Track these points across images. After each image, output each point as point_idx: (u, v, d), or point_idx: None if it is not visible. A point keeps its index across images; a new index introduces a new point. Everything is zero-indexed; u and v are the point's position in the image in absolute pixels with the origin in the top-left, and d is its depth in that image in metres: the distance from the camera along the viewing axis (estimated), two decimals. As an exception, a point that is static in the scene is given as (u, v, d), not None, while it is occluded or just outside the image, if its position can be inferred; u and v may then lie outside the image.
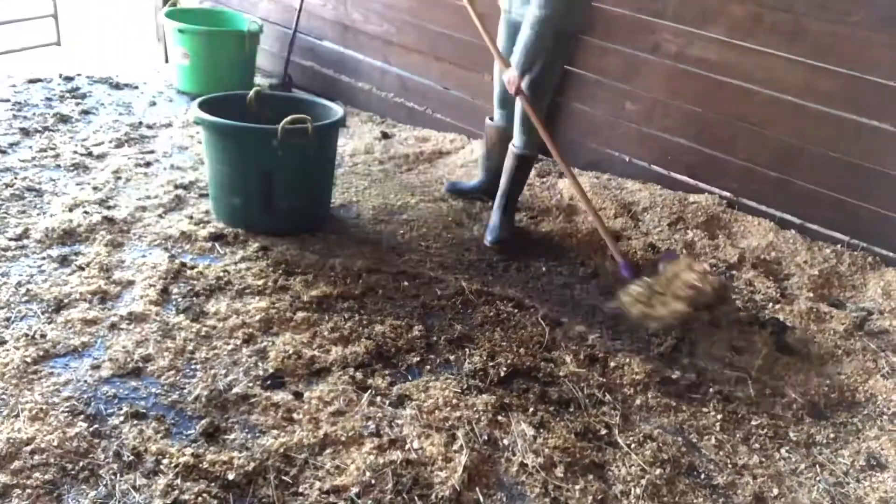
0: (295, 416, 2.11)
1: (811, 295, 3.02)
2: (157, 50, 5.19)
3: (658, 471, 2.06)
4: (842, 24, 3.09)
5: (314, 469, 1.94)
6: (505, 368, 2.40)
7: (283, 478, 1.90)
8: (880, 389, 2.53)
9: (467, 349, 2.51)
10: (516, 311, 2.76)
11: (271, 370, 2.28)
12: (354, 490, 1.87)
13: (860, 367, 2.63)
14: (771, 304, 2.97)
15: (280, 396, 2.17)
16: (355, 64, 4.71)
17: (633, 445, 2.16)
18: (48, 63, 4.81)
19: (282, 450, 1.97)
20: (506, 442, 2.11)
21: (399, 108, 4.57)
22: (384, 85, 4.61)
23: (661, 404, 2.36)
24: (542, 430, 2.16)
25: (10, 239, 2.77)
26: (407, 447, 2.03)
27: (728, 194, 3.62)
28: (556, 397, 2.32)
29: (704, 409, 2.36)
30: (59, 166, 3.43)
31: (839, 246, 3.31)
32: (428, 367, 2.40)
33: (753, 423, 2.33)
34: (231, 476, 1.87)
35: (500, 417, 2.20)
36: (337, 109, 3.21)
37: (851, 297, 3.09)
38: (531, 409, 2.24)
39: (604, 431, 2.20)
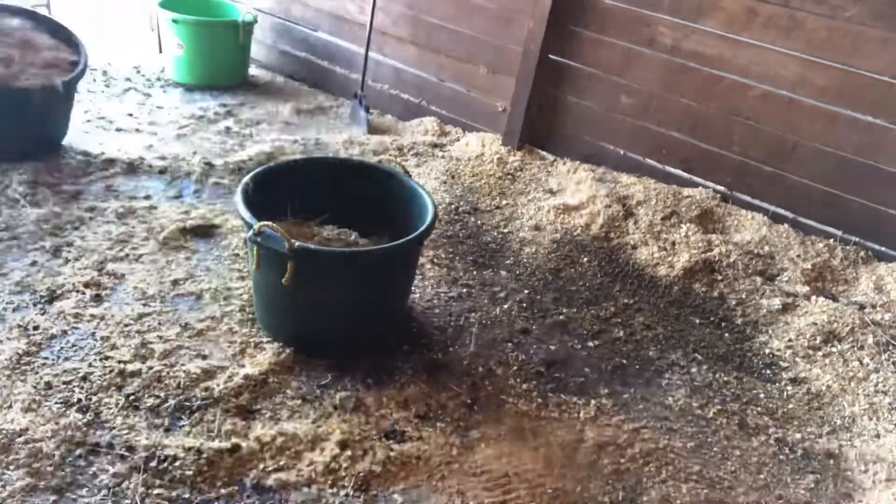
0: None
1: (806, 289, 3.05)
2: (151, 40, 5.15)
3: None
4: (836, 18, 3.09)
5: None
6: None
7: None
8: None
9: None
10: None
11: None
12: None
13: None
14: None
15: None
16: (350, 55, 4.69)
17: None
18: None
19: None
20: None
21: (394, 100, 4.56)
22: (379, 77, 4.60)
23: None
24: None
25: (2, 230, 2.75)
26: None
27: (722, 188, 3.63)
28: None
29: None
30: (51, 157, 3.41)
31: (832, 240, 3.33)
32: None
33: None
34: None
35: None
36: (428, 205, 2.47)
37: (844, 291, 3.10)
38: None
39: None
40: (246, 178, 2.41)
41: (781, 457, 2.29)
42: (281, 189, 2.54)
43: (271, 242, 2.11)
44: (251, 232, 2.12)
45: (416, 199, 2.55)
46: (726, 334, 2.86)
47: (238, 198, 2.29)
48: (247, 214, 2.20)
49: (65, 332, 2.28)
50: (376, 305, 2.43)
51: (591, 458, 2.16)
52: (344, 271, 2.29)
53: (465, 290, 2.84)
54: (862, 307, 2.96)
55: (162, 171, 3.38)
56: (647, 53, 3.62)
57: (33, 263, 2.58)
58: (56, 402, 2.00)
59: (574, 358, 2.58)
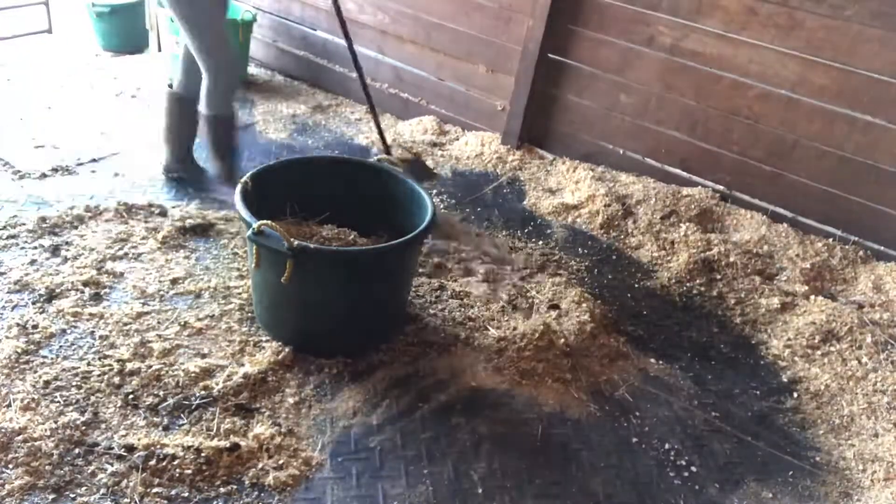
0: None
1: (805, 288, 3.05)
2: (150, 38, 5.15)
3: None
4: (835, 18, 3.09)
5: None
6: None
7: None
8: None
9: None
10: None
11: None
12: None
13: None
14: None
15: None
16: (349, 54, 4.68)
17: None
18: (40, 51, 4.77)
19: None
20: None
21: (393, 99, 4.56)
22: (378, 76, 4.59)
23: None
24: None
25: (1, 228, 2.75)
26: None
27: (721, 188, 3.63)
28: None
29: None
30: (50, 155, 3.40)
31: (831, 240, 3.33)
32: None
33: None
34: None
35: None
36: (427, 204, 2.46)
37: (843, 290, 3.10)
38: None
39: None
40: (245, 177, 2.41)
41: (780, 455, 2.29)
42: (280, 188, 2.54)
43: (271, 241, 2.11)
44: (251, 231, 2.12)
45: (415, 198, 2.55)
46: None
47: (237, 197, 2.29)
48: (246, 213, 2.20)
49: (64, 330, 2.28)
50: (375, 304, 2.43)
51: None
52: (343, 270, 2.29)
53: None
54: (861, 306, 2.96)
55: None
56: (646, 52, 3.62)
57: (32, 262, 2.58)
58: (55, 401, 2.00)
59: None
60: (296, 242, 2.10)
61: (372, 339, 2.47)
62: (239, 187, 2.34)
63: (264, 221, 2.12)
